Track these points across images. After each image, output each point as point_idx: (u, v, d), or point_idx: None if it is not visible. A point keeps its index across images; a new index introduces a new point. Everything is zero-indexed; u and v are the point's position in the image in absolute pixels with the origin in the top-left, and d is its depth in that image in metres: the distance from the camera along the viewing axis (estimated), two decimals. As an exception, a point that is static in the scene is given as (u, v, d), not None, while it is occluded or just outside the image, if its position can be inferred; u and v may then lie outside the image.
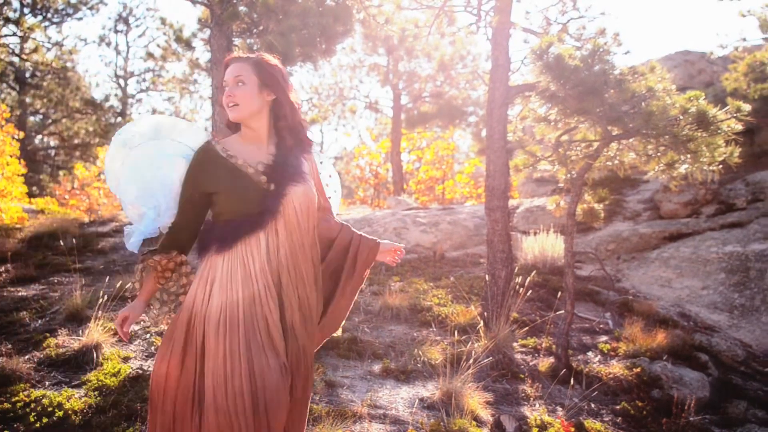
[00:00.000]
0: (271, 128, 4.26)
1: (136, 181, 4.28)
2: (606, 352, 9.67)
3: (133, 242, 4.42)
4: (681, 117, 7.88)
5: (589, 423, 7.32)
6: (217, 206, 4.13)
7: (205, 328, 3.96)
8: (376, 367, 8.56)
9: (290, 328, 4.12)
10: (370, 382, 8.09)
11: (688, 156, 8.19)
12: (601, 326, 10.87)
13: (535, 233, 14.46)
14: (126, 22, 50.08)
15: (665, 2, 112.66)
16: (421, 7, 12.20)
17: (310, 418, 6.46)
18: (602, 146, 8.74)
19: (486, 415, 7.26)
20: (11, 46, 32.57)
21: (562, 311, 9.08)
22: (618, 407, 8.03)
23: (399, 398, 7.60)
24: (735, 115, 7.98)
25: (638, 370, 8.81)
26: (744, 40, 22.35)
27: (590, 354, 9.65)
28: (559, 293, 9.85)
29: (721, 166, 8.45)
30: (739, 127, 8.00)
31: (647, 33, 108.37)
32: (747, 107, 8.06)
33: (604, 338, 10.26)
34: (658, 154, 8.63)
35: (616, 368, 8.95)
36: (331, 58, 13.38)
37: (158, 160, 4.27)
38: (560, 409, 7.84)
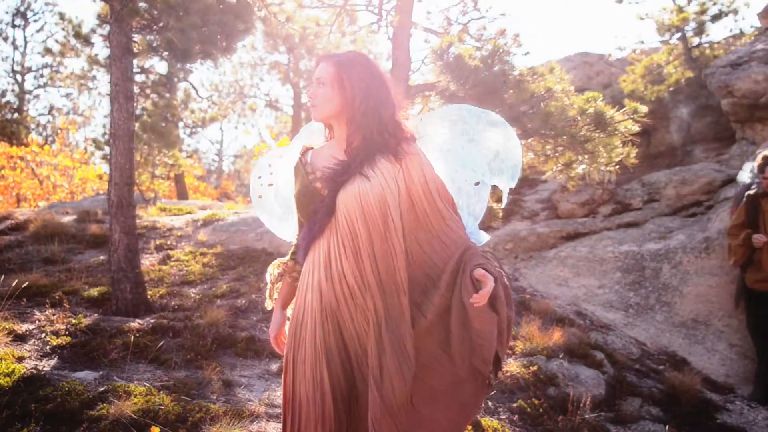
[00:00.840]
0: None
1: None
2: (504, 350, 9.72)
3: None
4: (579, 118, 7.98)
5: (486, 421, 7.35)
6: None
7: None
8: (274, 366, 8.53)
9: (350, 344, 3.94)
10: (268, 381, 8.06)
11: (586, 156, 8.30)
12: (500, 325, 10.92)
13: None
14: (24, 16, 49.24)
15: (565, 4, 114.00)
16: (323, 6, 12.19)
17: (207, 418, 6.43)
18: (501, 146, 8.80)
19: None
20: None
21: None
22: (515, 405, 8.07)
23: (297, 397, 7.55)
24: (632, 116, 8.11)
25: (535, 368, 8.87)
26: (642, 42, 22.84)
27: (487, 352, 9.70)
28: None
29: (618, 167, 8.57)
30: (636, 128, 8.13)
31: (547, 34, 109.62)
32: (644, 109, 8.19)
33: (502, 337, 10.31)
34: (556, 154, 8.73)
35: (513, 366, 9.00)
36: (232, 55, 13.32)
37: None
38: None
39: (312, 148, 4.26)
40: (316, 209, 3.94)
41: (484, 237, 4.41)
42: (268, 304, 4.51)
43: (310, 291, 3.94)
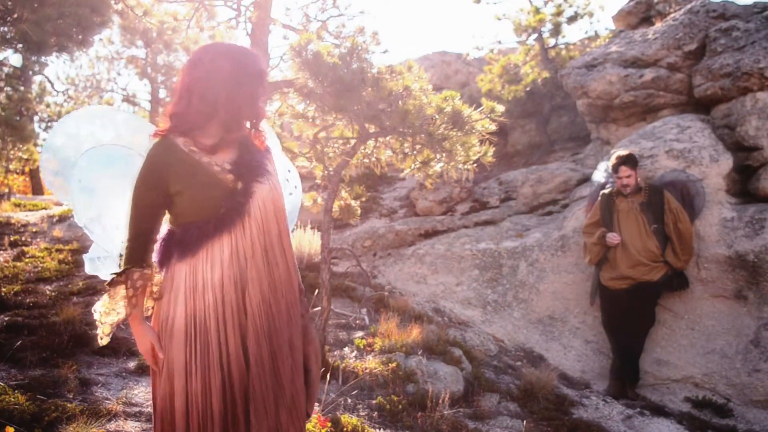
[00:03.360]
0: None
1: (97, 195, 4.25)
2: (362, 347, 9.71)
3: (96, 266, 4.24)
4: (436, 116, 8.00)
5: (346, 418, 7.33)
6: (178, 207, 3.85)
7: (168, 343, 3.75)
8: (132, 364, 8.39)
9: (255, 344, 3.74)
10: (125, 380, 7.92)
11: (443, 155, 8.32)
12: (357, 322, 10.93)
13: (292, 229, 14.44)
14: None
15: (424, 3, 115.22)
16: (181, 0, 12.05)
17: (63, 417, 6.29)
18: (359, 144, 8.79)
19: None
20: None
21: (319, 307, 9.08)
22: (374, 402, 8.06)
23: (154, 397, 7.44)
24: (489, 115, 8.15)
25: (394, 365, 8.87)
26: (499, 42, 23.08)
27: (347, 350, 9.68)
28: (316, 290, 9.87)
29: (475, 165, 8.60)
30: (493, 127, 8.17)
31: (406, 33, 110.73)
32: (501, 108, 8.23)
33: (360, 334, 10.32)
34: (414, 152, 8.74)
35: (372, 363, 9.00)
36: (88, 49, 13.11)
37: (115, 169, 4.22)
38: (317, 404, 7.83)
39: (174, 141, 3.84)
40: (233, 202, 3.72)
41: None
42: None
43: (210, 291, 3.69)
